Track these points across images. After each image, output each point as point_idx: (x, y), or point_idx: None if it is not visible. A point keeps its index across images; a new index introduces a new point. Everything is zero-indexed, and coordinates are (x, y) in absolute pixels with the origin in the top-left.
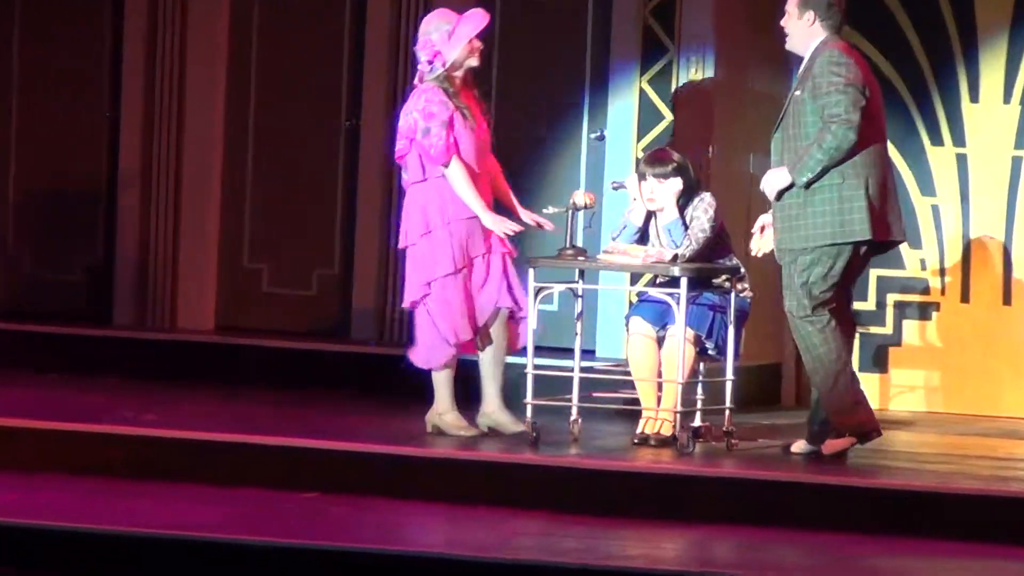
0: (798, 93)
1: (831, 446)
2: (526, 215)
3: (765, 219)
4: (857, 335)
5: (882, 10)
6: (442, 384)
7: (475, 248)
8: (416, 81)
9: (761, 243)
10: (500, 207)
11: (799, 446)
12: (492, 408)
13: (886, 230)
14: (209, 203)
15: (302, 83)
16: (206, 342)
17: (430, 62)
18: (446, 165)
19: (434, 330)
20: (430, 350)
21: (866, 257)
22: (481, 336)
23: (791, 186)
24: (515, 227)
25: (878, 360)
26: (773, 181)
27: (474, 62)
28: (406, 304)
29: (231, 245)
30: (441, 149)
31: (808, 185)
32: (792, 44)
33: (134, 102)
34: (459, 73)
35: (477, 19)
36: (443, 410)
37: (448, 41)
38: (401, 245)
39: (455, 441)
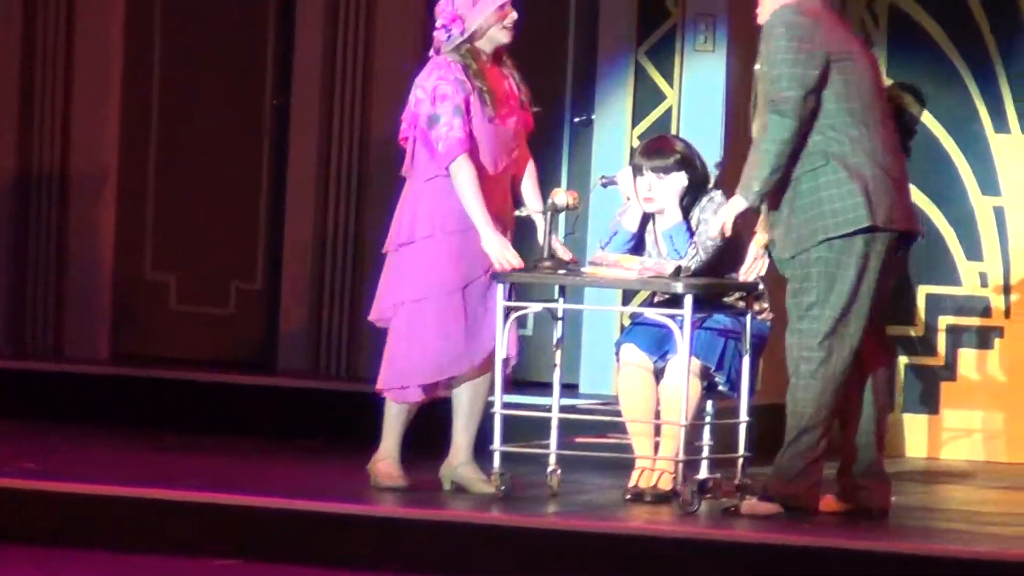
0: (757, 67)
1: (751, 507)
2: (554, 241)
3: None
4: (902, 369)
5: None
6: (392, 421)
7: (473, 270)
8: (432, 52)
9: (755, 265)
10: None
11: (828, 504)
12: (459, 460)
13: (905, 217)
14: (101, 202)
15: (217, 54)
16: (99, 374)
17: (446, 28)
18: (448, 165)
19: (400, 356)
20: (389, 377)
21: (889, 263)
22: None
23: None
24: (517, 262)
25: (927, 398)
26: (723, 214)
27: (504, 36)
28: (371, 318)
29: (129, 253)
30: (452, 143)
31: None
32: (762, 16)
33: (7, 87)
34: (486, 46)
35: None
36: (381, 454)
37: (473, 5)
38: (384, 249)
39: (407, 498)
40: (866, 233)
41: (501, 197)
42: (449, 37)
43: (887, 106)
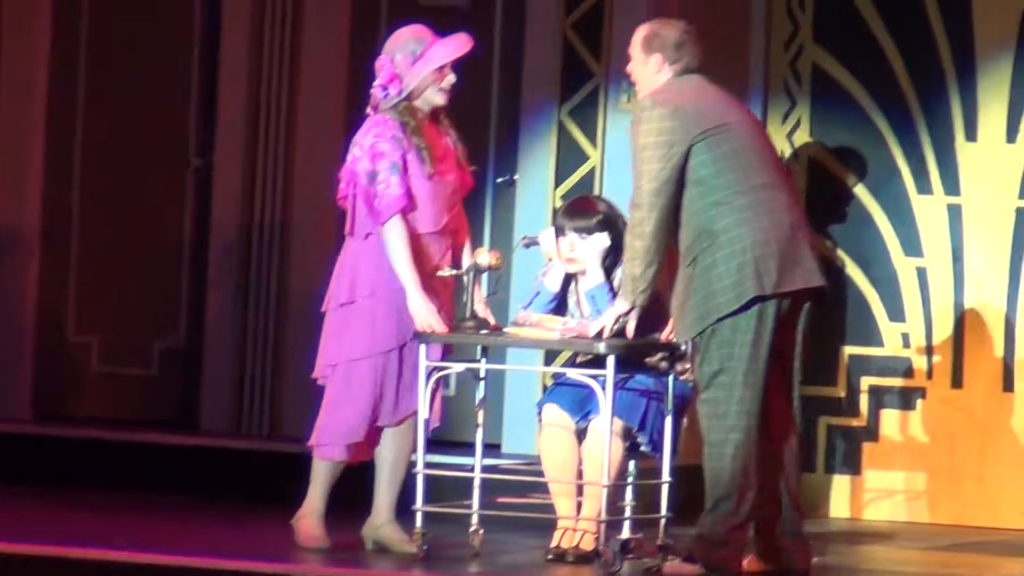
0: None
1: (674, 568)
2: (480, 307)
3: None
4: (825, 430)
5: (860, 30)
6: (318, 478)
7: (411, 328)
8: (369, 110)
9: None
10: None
11: (750, 564)
12: (380, 521)
13: (799, 279)
14: (24, 264)
15: (140, 115)
16: (21, 433)
17: (383, 87)
18: (383, 223)
19: (331, 415)
20: (320, 435)
21: (786, 324)
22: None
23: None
24: (439, 326)
25: (849, 459)
26: (605, 317)
27: (440, 99)
28: (314, 376)
29: (52, 314)
30: (390, 200)
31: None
32: (642, 94)
33: None
34: (423, 105)
35: (456, 43)
36: (305, 511)
37: (412, 65)
38: (323, 308)
39: (329, 558)
40: (757, 303)
41: (441, 254)
42: (386, 95)
43: (777, 167)
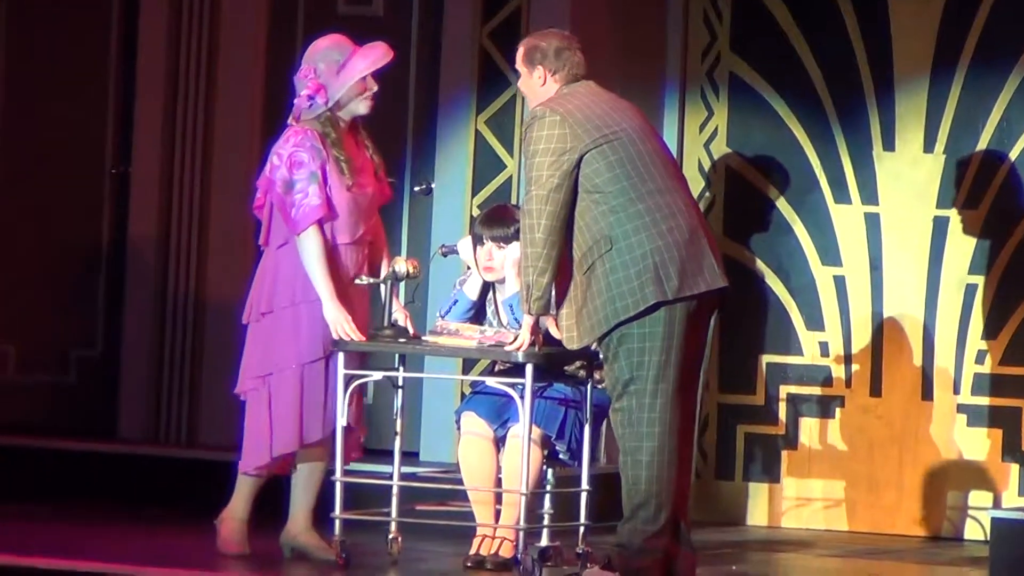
0: None
1: (595, 575)
2: (399, 312)
3: None
4: (743, 438)
5: (778, 40)
6: (243, 489)
7: (330, 339)
8: (291, 119)
9: None
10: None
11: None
12: (298, 529)
13: (702, 281)
14: None
15: (58, 120)
16: None
17: (310, 97)
18: (299, 232)
19: (258, 428)
20: (247, 449)
21: (694, 327)
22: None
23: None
24: (355, 335)
25: (768, 467)
26: (522, 334)
27: (363, 108)
28: (236, 391)
29: None
30: (307, 210)
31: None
32: (529, 105)
33: None
34: (345, 115)
35: (377, 54)
36: (228, 514)
37: (337, 75)
38: (244, 319)
39: (247, 564)
40: (661, 307)
41: (358, 265)
42: (311, 105)
43: (672, 170)
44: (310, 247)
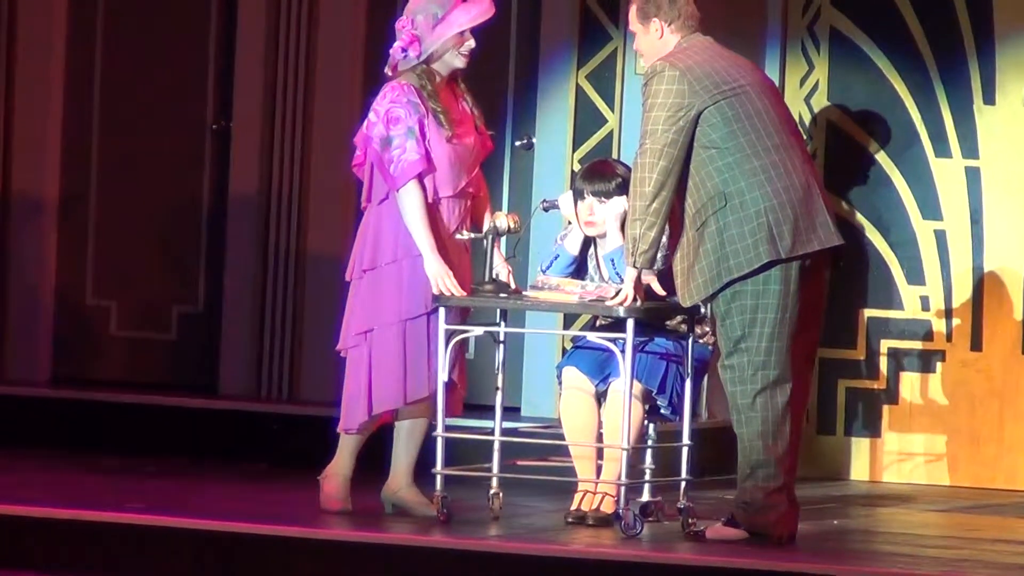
0: None
1: (717, 531)
2: (501, 267)
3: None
4: (843, 393)
5: None
6: (347, 446)
7: (431, 294)
8: (387, 70)
9: None
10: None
11: (718, 532)
12: (399, 485)
13: (816, 239)
14: (42, 227)
15: (158, 78)
16: (39, 396)
17: (403, 49)
18: (399, 188)
19: (358, 386)
20: (347, 407)
21: (810, 285)
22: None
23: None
24: (456, 289)
25: (869, 422)
26: (626, 287)
27: (459, 62)
28: (338, 348)
29: (70, 278)
30: (405, 165)
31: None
32: (644, 66)
33: None
34: (442, 69)
35: (479, 8)
36: (332, 470)
37: (433, 29)
38: (347, 277)
39: (349, 521)
40: (774, 265)
41: (460, 219)
42: (405, 57)
43: (790, 127)
44: (410, 202)
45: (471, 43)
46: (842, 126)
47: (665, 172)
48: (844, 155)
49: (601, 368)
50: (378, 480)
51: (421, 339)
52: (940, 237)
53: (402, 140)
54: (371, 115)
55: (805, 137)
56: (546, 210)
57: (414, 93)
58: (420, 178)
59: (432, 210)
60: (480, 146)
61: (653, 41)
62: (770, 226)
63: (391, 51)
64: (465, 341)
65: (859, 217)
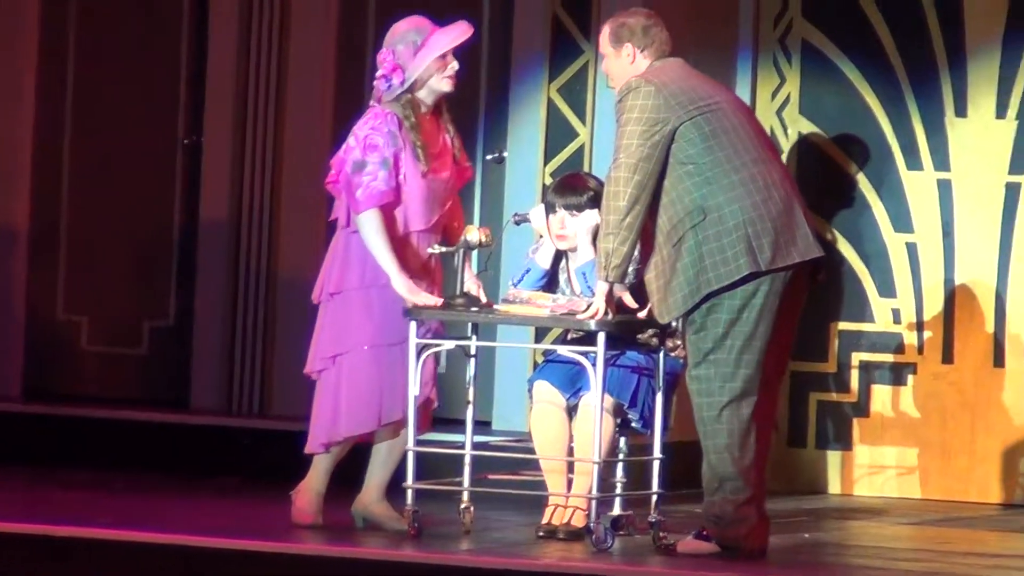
0: None
1: (688, 545)
2: (471, 281)
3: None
4: (815, 406)
5: (850, 6)
6: (319, 463)
7: (403, 320)
8: (372, 102)
9: None
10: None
11: (688, 545)
12: (371, 499)
13: (796, 252)
14: (13, 242)
15: (130, 92)
16: (11, 412)
17: (386, 78)
18: (359, 212)
19: (326, 409)
20: (315, 429)
21: (789, 299)
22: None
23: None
24: (432, 300)
25: (840, 435)
26: (597, 301)
27: (445, 86)
28: (305, 371)
29: (41, 293)
30: (372, 192)
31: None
32: (615, 85)
33: None
34: (427, 96)
35: (456, 31)
36: (304, 486)
37: (414, 55)
38: (314, 299)
39: (320, 535)
40: (754, 278)
41: (420, 249)
42: (389, 87)
43: (768, 143)
44: (370, 227)
45: (455, 65)
46: (814, 139)
47: (640, 187)
48: (816, 168)
49: (572, 382)
50: (351, 495)
51: (395, 362)
52: (912, 250)
53: (375, 168)
54: (350, 139)
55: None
56: (517, 224)
57: (395, 123)
58: (384, 209)
59: (404, 243)
60: (456, 178)
61: (624, 65)
62: (749, 238)
63: (375, 82)
64: (437, 356)
65: (831, 230)
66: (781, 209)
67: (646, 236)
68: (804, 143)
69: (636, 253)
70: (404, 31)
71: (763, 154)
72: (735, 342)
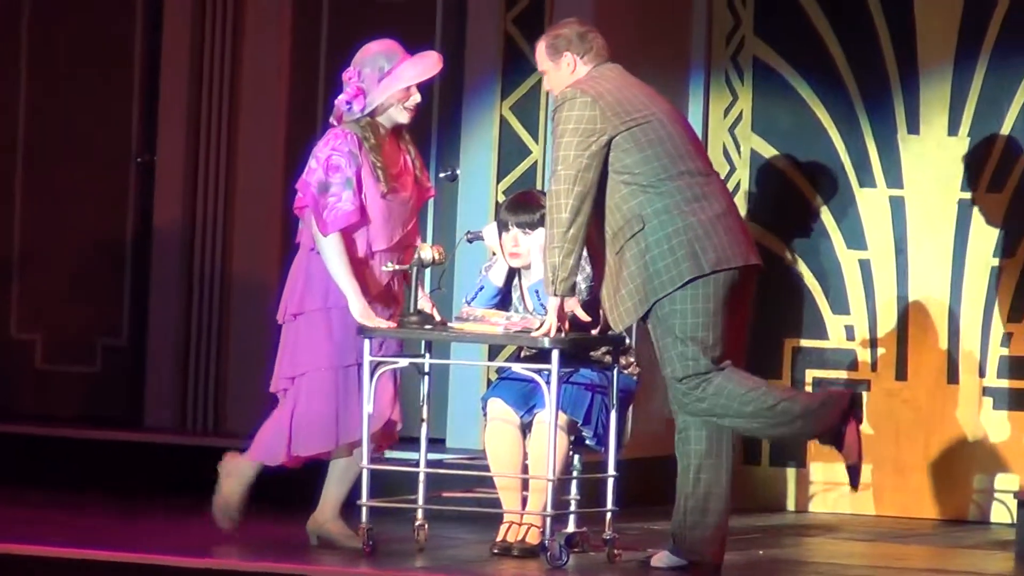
0: None
1: (661, 559)
2: (424, 299)
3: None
4: None
5: (801, 23)
6: (248, 472)
7: (363, 342)
8: (332, 120)
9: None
10: None
11: (660, 559)
12: (325, 517)
13: (737, 254)
14: None
15: (82, 110)
16: None
17: (347, 102)
18: (326, 234)
19: (280, 426)
20: (267, 441)
21: (735, 299)
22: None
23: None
24: (385, 324)
25: (794, 452)
26: (549, 318)
27: (402, 117)
28: (271, 390)
29: None
30: (339, 214)
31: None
32: (552, 91)
33: None
34: (385, 122)
35: (426, 63)
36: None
37: (378, 82)
38: (278, 319)
39: (276, 553)
40: (698, 282)
41: (392, 272)
42: (349, 110)
43: (704, 156)
44: (332, 249)
45: (416, 98)
46: (766, 156)
47: (580, 197)
48: (769, 185)
49: (526, 399)
50: (306, 512)
51: (353, 383)
52: (865, 267)
53: (339, 188)
54: (312, 161)
55: (728, 168)
56: (470, 241)
57: (355, 143)
58: (348, 231)
59: (366, 264)
60: (418, 198)
61: (565, 76)
62: (691, 242)
63: (336, 102)
64: (396, 375)
65: (784, 248)
66: (719, 213)
67: (595, 250)
68: (757, 160)
69: (589, 270)
70: (374, 54)
71: (700, 166)
72: (696, 334)
